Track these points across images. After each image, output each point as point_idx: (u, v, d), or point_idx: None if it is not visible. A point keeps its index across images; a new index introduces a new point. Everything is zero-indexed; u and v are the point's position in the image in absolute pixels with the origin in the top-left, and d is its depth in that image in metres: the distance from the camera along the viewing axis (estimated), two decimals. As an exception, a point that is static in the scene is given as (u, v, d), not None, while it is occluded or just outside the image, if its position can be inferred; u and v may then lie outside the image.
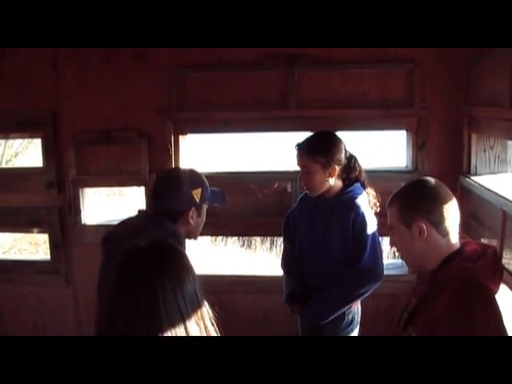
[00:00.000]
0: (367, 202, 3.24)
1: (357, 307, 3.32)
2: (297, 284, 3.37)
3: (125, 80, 4.09)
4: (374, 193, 3.35)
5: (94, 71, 4.08)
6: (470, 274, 1.99)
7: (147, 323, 1.47)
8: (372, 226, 3.16)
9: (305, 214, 3.37)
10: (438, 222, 2.06)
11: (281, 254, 3.61)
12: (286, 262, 3.50)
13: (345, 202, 3.18)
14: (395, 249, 2.59)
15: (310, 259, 3.30)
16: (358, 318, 3.34)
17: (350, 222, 3.13)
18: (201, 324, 1.55)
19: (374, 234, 3.16)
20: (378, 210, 3.29)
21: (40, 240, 7.71)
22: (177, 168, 2.72)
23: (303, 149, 3.17)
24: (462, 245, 2.13)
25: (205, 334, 1.56)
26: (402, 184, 2.23)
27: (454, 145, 3.84)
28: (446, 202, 2.08)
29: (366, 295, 3.19)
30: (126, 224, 2.68)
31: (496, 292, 2.03)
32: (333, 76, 3.95)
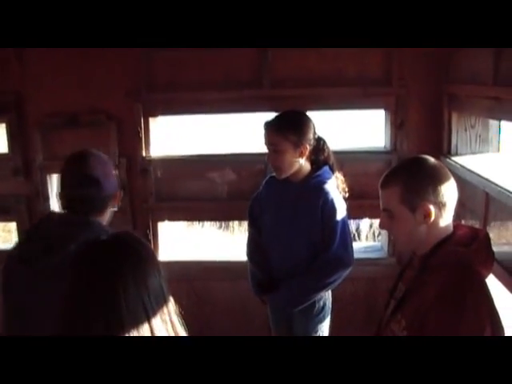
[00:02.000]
0: (336, 187, 3.13)
1: (327, 293, 3.24)
2: (264, 273, 3.28)
3: (92, 61, 3.92)
4: (343, 177, 3.23)
5: (60, 52, 3.88)
6: (463, 259, 1.91)
7: (106, 322, 1.38)
8: (342, 211, 3.05)
9: (271, 198, 3.25)
10: (442, 204, 1.94)
11: (246, 240, 3.47)
12: (252, 250, 3.38)
13: (313, 187, 3.06)
14: (384, 231, 2.49)
15: (277, 246, 3.19)
16: (329, 304, 3.26)
17: (319, 207, 3.02)
18: (167, 320, 1.47)
19: (343, 220, 3.06)
20: (347, 195, 3.19)
21: (13, 227, 7.56)
22: (86, 150, 2.45)
23: (273, 126, 3.03)
24: (454, 228, 2.03)
25: (172, 332, 1.48)
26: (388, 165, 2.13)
27: (434, 124, 3.76)
28: (448, 182, 1.96)
29: (337, 283, 3.11)
30: (40, 237, 2.20)
31: (487, 276, 1.97)
32: (308, 54, 3.81)
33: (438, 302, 1.86)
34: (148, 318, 1.42)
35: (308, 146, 3.02)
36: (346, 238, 3.08)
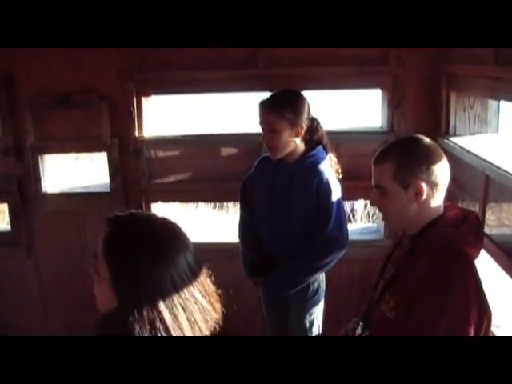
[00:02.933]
0: (330, 167, 3.09)
1: (321, 275, 3.22)
2: (256, 255, 3.27)
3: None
4: (336, 158, 3.21)
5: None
6: (452, 241, 1.93)
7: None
8: (336, 192, 3.03)
9: (263, 179, 3.22)
10: (435, 184, 1.95)
11: (238, 222, 3.44)
12: (244, 232, 3.37)
13: (308, 167, 3.04)
14: (377, 210, 2.49)
15: (271, 227, 3.18)
16: (323, 286, 3.25)
17: (313, 188, 3.00)
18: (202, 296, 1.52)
19: (338, 200, 3.04)
20: (340, 176, 3.17)
21: (5, 208, 7.51)
22: None
23: (269, 105, 3.01)
24: (444, 209, 2.04)
25: (207, 306, 1.51)
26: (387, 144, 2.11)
27: (432, 104, 3.70)
28: (442, 162, 1.98)
29: (332, 264, 3.10)
30: None
31: (476, 258, 1.98)
32: (303, 32, 3.74)
33: (426, 282, 1.87)
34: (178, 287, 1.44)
35: (304, 126, 2.99)
36: (341, 219, 3.06)
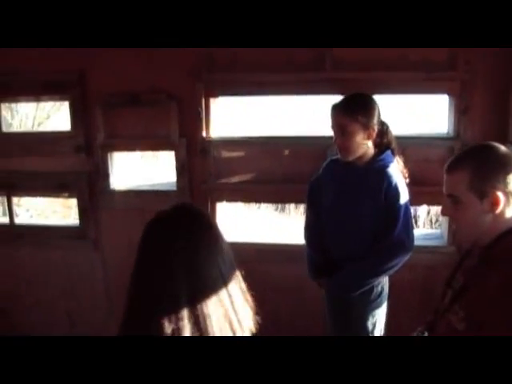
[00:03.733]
0: (399, 171, 3.09)
1: (385, 278, 3.22)
2: (322, 257, 3.28)
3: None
4: (403, 162, 3.20)
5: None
6: None
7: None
8: (404, 196, 3.03)
9: (331, 181, 3.23)
10: (511, 194, 1.88)
11: (304, 223, 3.46)
12: (310, 233, 3.38)
13: (377, 171, 3.03)
14: (444, 217, 2.42)
15: (338, 230, 3.18)
16: (386, 290, 3.24)
17: (382, 191, 2.99)
18: (242, 287, 1.52)
19: (406, 204, 3.03)
20: (408, 180, 3.15)
21: (73, 203, 7.73)
22: None
23: (342, 108, 3.02)
24: None
25: (245, 299, 1.50)
26: (457, 150, 2.08)
27: (500, 111, 3.64)
28: None
29: (397, 268, 3.09)
30: None
31: None
32: (371, 36, 3.73)
33: (502, 295, 1.80)
34: (225, 282, 1.44)
35: (375, 129, 3.01)
36: (408, 223, 3.06)
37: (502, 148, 1.95)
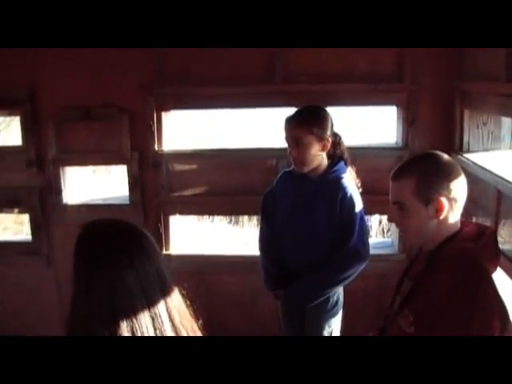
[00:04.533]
0: (353, 182, 3.15)
1: (340, 288, 3.26)
2: (277, 268, 3.29)
3: (105, 54, 3.92)
4: (355, 172, 3.25)
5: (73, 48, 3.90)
6: (472, 255, 1.92)
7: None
8: (359, 206, 3.08)
9: (286, 193, 3.26)
10: (454, 200, 1.94)
11: (258, 235, 3.47)
12: (266, 245, 3.38)
13: (331, 182, 3.08)
14: (393, 226, 2.47)
15: (293, 241, 3.20)
16: (341, 299, 3.28)
17: (337, 202, 3.04)
18: (172, 309, 1.46)
19: (361, 214, 3.09)
20: (360, 190, 3.21)
21: (24, 219, 7.60)
22: None
23: (297, 120, 3.06)
24: (461, 225, 2.03)
25: (177, 322, 1.46)
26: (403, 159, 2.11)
27: (446, 121, 3.74)
28: (461, 178, 1.96)
29: (353, 277, 3.13)
30: None
31: (494, 272, 1.96)
32: (320, 48, 3.78)
33: (449, 298, 1.85)
34: (148, 303, 1.41)
35: (330, 140, 3.05)
36: (364, 232, 3.11)
37: (446, 156, 2.01)
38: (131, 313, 1.38)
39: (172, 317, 1.45)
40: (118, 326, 1.36)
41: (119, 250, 1.43)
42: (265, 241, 3.38)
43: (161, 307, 1.43)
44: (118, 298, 1.38)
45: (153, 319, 1.40)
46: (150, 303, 1.41)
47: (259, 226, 3.53)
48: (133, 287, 1.40)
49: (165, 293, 1.45)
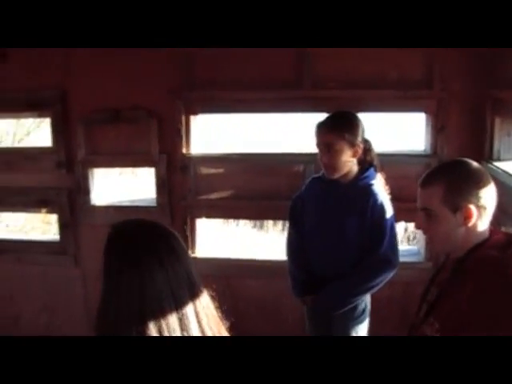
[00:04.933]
0: (383, 188, 3.13)
1: (368, 295, 3.23)
2: (305, 274, 3.27)
3: (135, 58, 3.96)
4: (384, 179, 3.23)
5: (104, 49, 3.92)
6: (499, 264, 1.89)
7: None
8: (390, 213, 3.05)
9: (315, 199, 3.24)
10: (483, 208, 1.92)
11: (286, 240, 3.46)
12: (293, 251, 3.37)
13: (362, 188, 3.06)
14: (421, 232, 2.44)
15: (321, 247, 3.18)
16: (369, 306, 3.26)
17: (368, 208, 3.02)
18: (200, 311, 1.47)
19: (391, 221, 3.06)
20: (390, 196, 3.18)
21: (52, 219, 7.69)
22: None
23: (329, 126, 3.04)
24: (490, 233, 2.00)
25: (205, 325, 1.47)
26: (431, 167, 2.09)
27: (476, 128, 3.71)
28: (490, 186, 1.95)
29: (382, 284, 3.11)
30: None
31: None
32: (349, 54, 3.77)
33: (475, 305, 1.84)
34: (176, 304, 1.42)
35: (361, 146, 3.03)
36: (394, 239, 3.09)
37: (475, 164, 2.00)
38: (159, 313, 1.39)
39: (199, 318, 1.46)
40: (146, 326, 1.37)
41: (149, 249, 1.45)
42: (293, 246, 3.37)
43: (189, 308, 1.44)
44: (146, 298, 1.40)
45: (180, 320, 1.41)
46: (178, 304, 1.42)
47: (287, 231, 3.51)
48: (162, 287, 1.41)
49: (193, 294, 1.47)
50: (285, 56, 3.87)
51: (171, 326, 1.40)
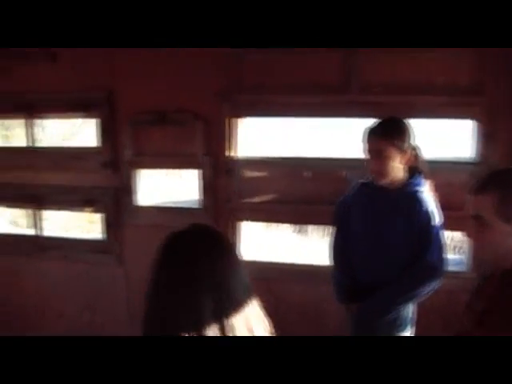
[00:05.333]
0: (431, 195, 3.09)
1: (412, 304, 3.20)
2: (349, 280, 3.24)
3: (182, 61, 4.00)
4: (433, 185, 3.18)
5: (151, 51, 3.97)
6: None
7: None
8: (437, 219, 3.01)
9: (361, 204, 3.21)
10: None
11: (331, 245, 3.43)
12: (337, 255, 3.34)
13: (410, 195, 3.03)
14: (466, 243, 2.40)
15: (367, 253, 3.15)
16: (413, 315, 3.22)
17: (416, 215, 2.98)
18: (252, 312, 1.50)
19: (439, 229, 3.01)
20: (438, 204, 3.14)
21: (96, 218, 7.79)
22: None
23: (378, 132, 3.01)
24: None
25: (255, 324, 1.49)
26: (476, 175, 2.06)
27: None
28: None
29: (427, 293, 3.07)
30: None
31: None
32: (397, 59, 3.75)
33: None
34: (230, 307, 1.44)
35: (410, 153, 3.01)
36: (442, 247, 3.04)
37: None
38: (214, 316, 1.41)
39: (248, 322, 1.47)
40: (203, 329, 1.40)
41: (205, 253, 1.48)
42: (337, 251, 3.34)
43: (241, 311, 1.46)
44: (202, 301, 1.42)
45: (231, 323, 1.43)
46: (232, 307, 1.44)
47: (332, 236, 3.48)
48: (217, 291, 1.44)
49: (246, 298, 1.49)
50: (332, 60, 3.86)
51: (226, 328, 1.42)
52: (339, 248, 3.34)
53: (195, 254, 1.48)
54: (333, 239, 3.42)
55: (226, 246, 1.55)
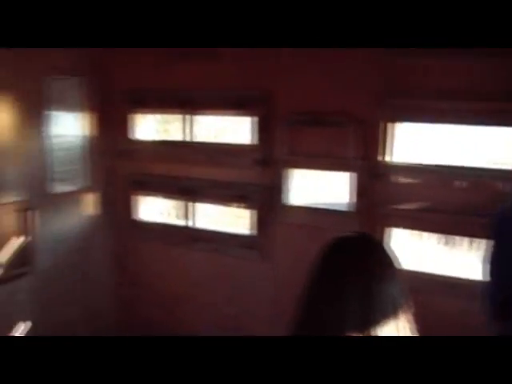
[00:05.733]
0: None
1: None
2: (505, 297, 3.03)
3: (343, 62, 4.01)
4: None
5: (311, 52, 4.01)
6: None
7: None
8: None
9: None
10: None
11: (485, 259, 3.29)
12: (494, 270, 3.20)
13: None
14: None
15: None
16: None
17: None
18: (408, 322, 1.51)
19: None
20: None
21: (245, 214, 7.94)
22: None
23: None
24: None
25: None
26: None
27: None
28: None
29: None
30: None
31: None
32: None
33: None
34: (396, 315, 1.46)
35: None
36: None
37: None
38: (377, 324, 1.44)
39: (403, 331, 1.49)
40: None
41: (373, 264, 1.51)
42: (494, 266, 3.22)
43: (389, 324, 1.47)
44: (367, 310, 1.44)
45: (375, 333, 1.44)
46: (391, 318, 1.46)
47: (490, 250, 3.35)
48: (379, 301, 1.46)
49: (403, 310, 1.50)
50: (494, 66, 3.70)
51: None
52: (496, 262, 3.20)
53: (362, 264, 1.50)
54: (491, 254, 3.29)
55: (392, 258, 1.55)
